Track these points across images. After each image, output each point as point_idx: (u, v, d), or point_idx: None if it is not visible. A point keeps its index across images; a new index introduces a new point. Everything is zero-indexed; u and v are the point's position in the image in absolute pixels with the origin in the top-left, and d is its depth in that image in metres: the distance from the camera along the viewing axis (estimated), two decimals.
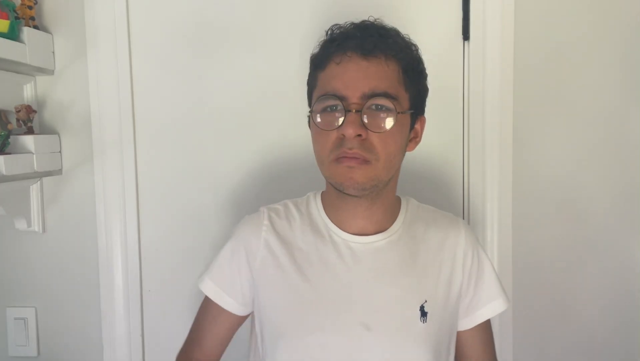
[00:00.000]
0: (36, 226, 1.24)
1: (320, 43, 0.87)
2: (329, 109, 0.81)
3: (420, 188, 1.19)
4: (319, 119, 0.81)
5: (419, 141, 0.90)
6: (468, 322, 0.92)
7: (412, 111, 0.84)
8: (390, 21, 0.86)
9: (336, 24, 0.86)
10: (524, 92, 1.18)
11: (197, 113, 1.23)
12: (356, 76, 0.79)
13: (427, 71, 0.88)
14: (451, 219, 0.95)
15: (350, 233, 0.88)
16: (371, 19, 0.86)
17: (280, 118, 1.21)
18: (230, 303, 0.92)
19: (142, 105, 1.24)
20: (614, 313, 1.23)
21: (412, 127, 0.86)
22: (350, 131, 0.77)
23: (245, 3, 1.21)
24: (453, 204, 1.22)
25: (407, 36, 0.87)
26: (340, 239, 0.88)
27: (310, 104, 0.87)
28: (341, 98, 0.79)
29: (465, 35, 1.18)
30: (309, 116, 0.85)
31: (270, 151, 1.22)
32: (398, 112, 0.80)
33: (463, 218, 1.21)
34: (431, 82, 0.88)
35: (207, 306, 0.95)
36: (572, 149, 1.20)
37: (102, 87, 1.22)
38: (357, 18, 0.86)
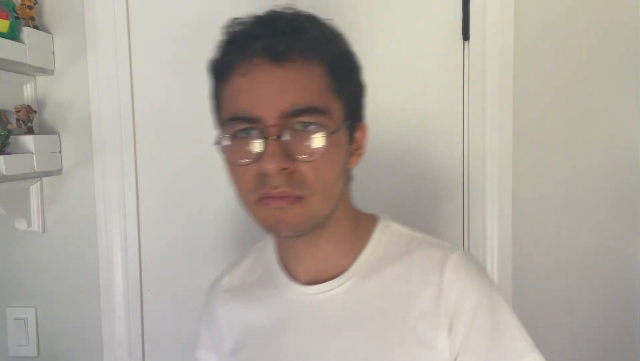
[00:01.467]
0: (36, 226, 1.25)
1: (218, 45, 0.69)
2: (240, 134, 0.63)
3: (418, 188, 1.18)
4: (228, 149, 0.64)
5: (362, 153, 0.71)
6: None
7: (348, 122, 0.66)
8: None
9: (236, 18, 0.68)
10: (524, 92, 1.18)
11: (197, 113, 1.23)
12: (269, 89, 0.62)
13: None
14: (442, 252, 0.71)
15: (301, 281, 0.73)
16: (279, 8, 0.66)
17: None
18: None
19: (142, 105, 1.24)
20: (614, 314, 1.23)
21: (351, 139, 0.68)
22: (271, 166, 0.60)
23: (247, 3, 1.21)
24: (452, 206, 1.22)
25: (330, 22, 0.67)
26: (290, 291, 0.74)
27: (218, 125, 0.70)
28: (254, 120, 0.62)
29: (465, 35, 1.18)
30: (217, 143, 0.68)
31: None
32: (330, 132, 0.62)
33: (463, 220, 1.21)
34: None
35: None
36: (572, 148, 1.20)
37: (102, 87, 1.22)
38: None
